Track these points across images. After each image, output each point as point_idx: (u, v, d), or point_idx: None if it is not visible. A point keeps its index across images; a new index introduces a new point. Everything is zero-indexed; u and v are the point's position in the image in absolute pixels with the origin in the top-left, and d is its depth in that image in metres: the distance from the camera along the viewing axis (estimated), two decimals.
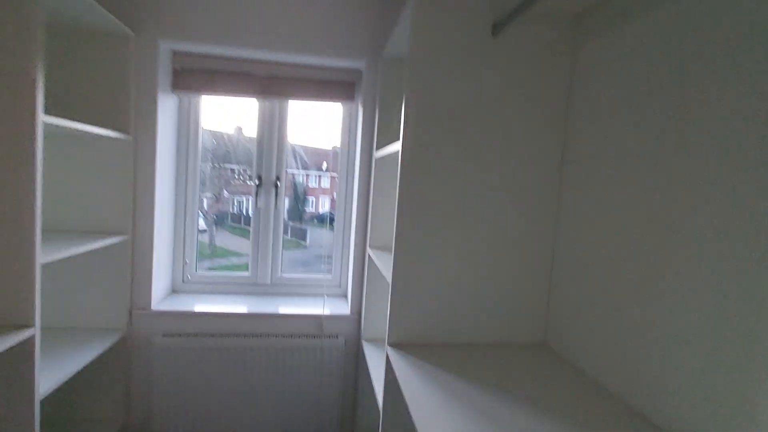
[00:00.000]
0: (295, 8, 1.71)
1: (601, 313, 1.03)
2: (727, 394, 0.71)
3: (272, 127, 1.97)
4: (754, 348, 0.67)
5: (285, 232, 2.08)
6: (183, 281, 1.98)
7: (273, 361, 1.79)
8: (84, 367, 1.50)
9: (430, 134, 1.18)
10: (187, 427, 1.76)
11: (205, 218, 2.14)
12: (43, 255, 1.19)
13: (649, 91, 0.92)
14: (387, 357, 1.19)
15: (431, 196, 1.20)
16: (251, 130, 2.00)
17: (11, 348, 1.12)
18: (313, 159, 2.17)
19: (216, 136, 2.05)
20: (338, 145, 2.04)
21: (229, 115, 2.05)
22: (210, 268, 2.09)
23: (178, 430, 1.76)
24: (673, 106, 0.86)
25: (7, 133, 1.11)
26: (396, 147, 1.27)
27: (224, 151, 2.08)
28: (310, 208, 2.25)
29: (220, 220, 2.20)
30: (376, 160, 1.73)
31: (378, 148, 1.72)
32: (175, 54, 1.77)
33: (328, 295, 2.04)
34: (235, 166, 2.14)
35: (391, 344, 1.20)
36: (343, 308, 1.91)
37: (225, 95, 1.82)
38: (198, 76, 1.79)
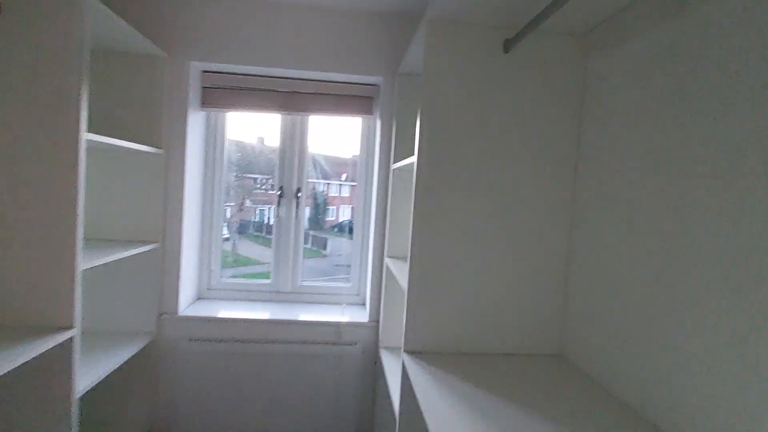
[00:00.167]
0: (316, 28, 1.80)
1: (618, 325, 1.03)
2: (748, 414, 0.70)
3: (294, 138, 2.05)
4: None
5: (306, 241, 2.14)
6: (208, 288, 2.06)
7: (293, 367, 1.84)
8: (116, 369, 1.58)
9: (444, 150, 1.22)
10: (210, 429, 1.83)
11: (229, 227, 2.22)
12: (84, 261, 1.28)
13: (659, 100, 0.93)
14: (403, 364, 1.21)
15: (446, 208, 1.23)
16: (273, 140, 2.08)
17: (53, 348, 1.20)
18: (334, 168, 2.24)
19: (239, 145, 2.14)
20: (357, 154, 2.10)
21: (251, 125, 2.14)
22: (232, 276, 2.17)
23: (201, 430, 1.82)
24: (682, 115, 0.87)
25: (53, 149, 1.21)
26: (412, 160, 1.31)
27: (247, 161, 2.17)
28: (330, 217, 2.30)
29: (242, 228, 2.28)
30: (393, 171, 1.78)
31: (395, 160, 1.76)
32: (204, 73, 1.88)
33: (347, 304, 2.09)
34: (257, 176, 2.22)
35: (407, 351, 1.23)
36: (362, 316, 1.95)
37: (250, 111, 1.92)
38: (225, 93, 1.89)
